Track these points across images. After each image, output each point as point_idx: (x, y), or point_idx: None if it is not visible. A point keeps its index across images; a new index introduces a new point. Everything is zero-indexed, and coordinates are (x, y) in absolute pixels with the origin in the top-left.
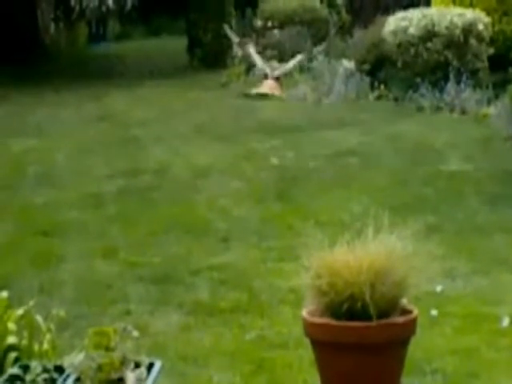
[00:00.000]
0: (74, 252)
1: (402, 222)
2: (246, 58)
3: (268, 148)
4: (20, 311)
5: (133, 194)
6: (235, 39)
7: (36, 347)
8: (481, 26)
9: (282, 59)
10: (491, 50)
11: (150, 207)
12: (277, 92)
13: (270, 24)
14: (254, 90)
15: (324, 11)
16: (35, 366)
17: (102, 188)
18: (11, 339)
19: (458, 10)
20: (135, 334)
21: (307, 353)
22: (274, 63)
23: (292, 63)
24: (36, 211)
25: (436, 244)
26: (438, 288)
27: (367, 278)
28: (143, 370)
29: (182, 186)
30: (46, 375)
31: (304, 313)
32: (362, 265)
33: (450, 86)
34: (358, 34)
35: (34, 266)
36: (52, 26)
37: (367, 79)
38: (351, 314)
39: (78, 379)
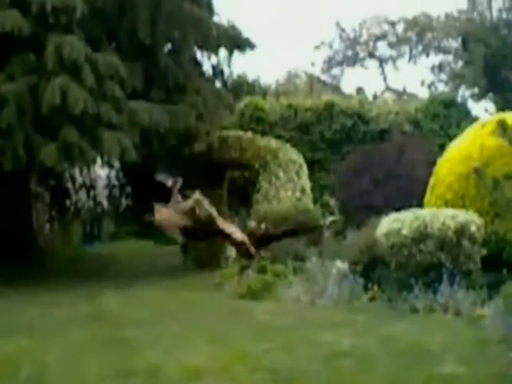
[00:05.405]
0: None
1: None
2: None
3: (261, 350)
4: None
5: None
6: (168, 182)
7: None
8: (473, 228)
9: (275, 260)
10: (484, 251)
11: None
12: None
13: (263, 225)
14: None
15: (317, 212)
16: None
17: None
18: None
19: (450, 211)
20: None
21: None
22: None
23: None
24: None
25: None
26: None
27: None
28: None
29: None
30: None
31: None
32: None
33: (444, 287)
34: (351, 235)
35: None
36: (47, 226)
37: (360, 280)
38: None
39: None
